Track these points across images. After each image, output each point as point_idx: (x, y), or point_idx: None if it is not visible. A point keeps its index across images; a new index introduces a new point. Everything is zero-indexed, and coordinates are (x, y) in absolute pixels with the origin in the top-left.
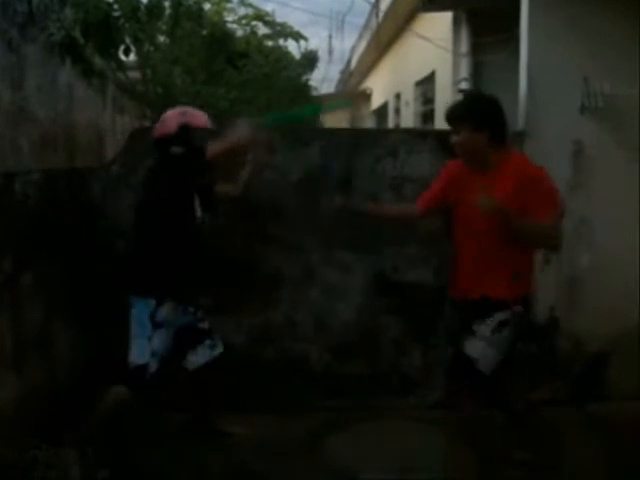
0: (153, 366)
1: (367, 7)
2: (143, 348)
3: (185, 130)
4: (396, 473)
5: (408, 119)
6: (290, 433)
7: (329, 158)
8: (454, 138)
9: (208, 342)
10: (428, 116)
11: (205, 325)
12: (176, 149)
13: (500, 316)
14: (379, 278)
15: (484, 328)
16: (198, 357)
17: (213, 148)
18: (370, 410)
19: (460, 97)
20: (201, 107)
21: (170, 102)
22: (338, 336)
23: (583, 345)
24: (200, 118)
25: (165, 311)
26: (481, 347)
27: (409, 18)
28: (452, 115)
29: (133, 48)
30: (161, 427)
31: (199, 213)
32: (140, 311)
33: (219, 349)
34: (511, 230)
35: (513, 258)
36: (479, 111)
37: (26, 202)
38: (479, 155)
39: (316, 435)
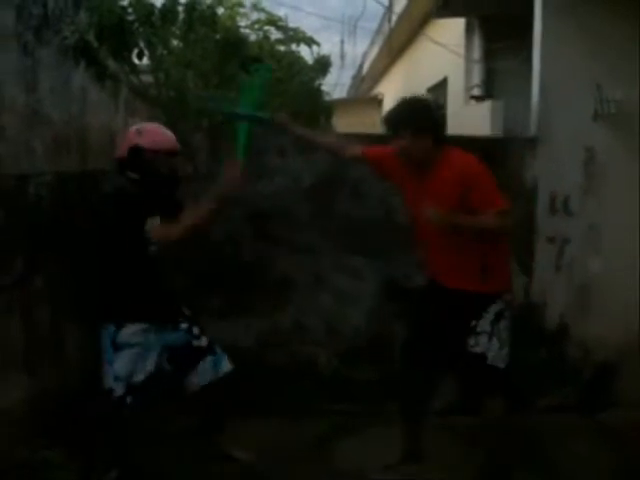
0: (118, 390)
1: (380, 12)
2: (107, 373)
3: (136, 153)
4: (402, 476)
5: None
6: (298, 437)
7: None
8: (397, 143)
9: (210, 359)
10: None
11: (202, 342)
12: (131, 175)
13: (495, 308)
14: (389, 283)
15: (482, 322)
16: (199, 377)
17: (186, 220)
18: (378, 415)
19: (397, 103)
20: (214, 111)
21: (182, 106)
22: (347, 341)
23: (592, 352)
24: (157, 139)
25: (127, 333)
26: (484, 341)
27: (421, 24)
28: (394, 121)
29: (146, 52)
30: (170, 429)
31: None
32: (103, 337)
33: (225, 367)
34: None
35: (478, 250)
36: (421, 115)
37: (39, 203)
38: (422, 157)
39: (324, 439)
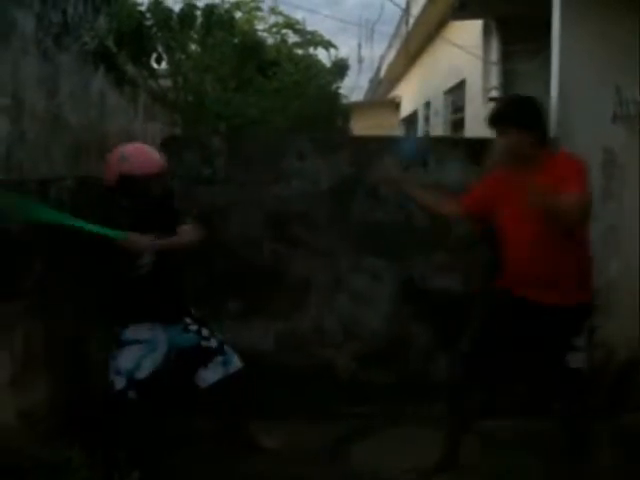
0: (119, 384)
1: (397, 15)
2: (110, 368)
3: (124, 181)
4: (420, 477)
5: (438, 128)
6: (316, 439)
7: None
8: (499, 140)
9: (220, 359)
10: (458, 125)
11: (212, 343)
12: (122, 201)
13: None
14: (407, 285)
15: (579, 338)
16: (209, 374)
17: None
18: (397, 417)
19: (499, 101)
20: (233, 115)
21: (201, 110)
22: (366, 343)
23: (615, 353)
24: (144, 163)
25: (133, 330)
26: (580, 356)
27: (439, 26)
28: (497, 117)
29: (165, 56)
30: (192, 432)
31: (147, 261)
32: (110, 336)
33: (235, 365)
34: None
35: (574, 260)
36: (525, 112)
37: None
38: (524, 156)
39: (342, 442)
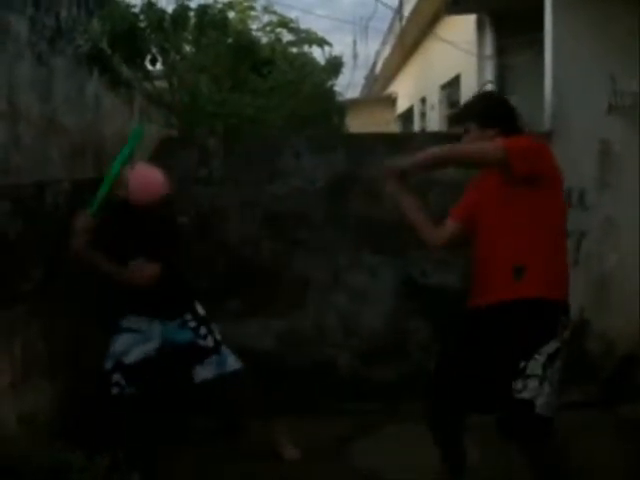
0: (107, 365)
1: (391, 12)
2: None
3: (126, 204)
4: (421, 475)
5: (434, 123)
6: (318, 437)
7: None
8: (465, 138)
9: (215, 359)
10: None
11: (208, 343)
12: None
13: (549, 348)
14: (406, 282)
15: (533, 365)
16: (204, 371)
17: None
18: (398, 414)
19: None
20: (228, 115)
21: (196, 110)
22: (366, 340)
23: (613, 345)
24: (141, 193)
25: (129, 320)
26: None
27: (433, 22)
28: (459, 115)
29: (159, 58)
30: (191, 432)
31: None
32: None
33: (231, 366)
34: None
35: (511, 247)
36: (485, 108)
37: (56, 211)
38: None
39: (344, 439)
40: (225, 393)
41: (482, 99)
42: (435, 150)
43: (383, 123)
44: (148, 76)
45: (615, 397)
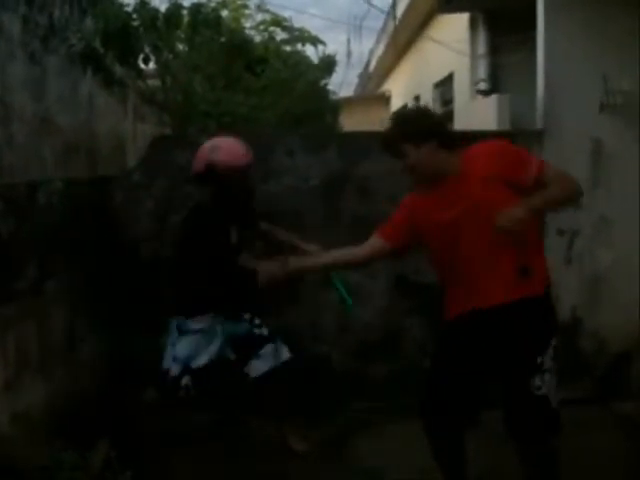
0: (174, 370)
1: (384, 10)
2: (168, 354)
3: (212, 170)
4: (420, 473)
5: None
6: (313, 435)
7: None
8: (403, 164)
9: (270, 348)
10: (447, 117)
11: (263, 331)
12: (208, 189)
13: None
14: (400, 280)
15: (547, 358)
16: (260, 364)
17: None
18: (393, 411)
19: (386, 127)
20: (222, 114)
21: (190, 109)
22: (360, 338)
23: (606, 343)
24: (231, 154)
25: (193, 321)
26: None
27: (426, 20)
28: (391, 141)
29: (152, 56)
30: (184, 429)
31: (234, 240)
32: (172, 324)
33: (284, 356)
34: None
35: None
36: (415, 125)
37: (49, 210)
38: (437, 168)
39: (340, 437)
40: (277, 385)
41: (405, 119)
42: (531, 206)
43: (377, 121)
44: (141, 75)
45: (608, 395)
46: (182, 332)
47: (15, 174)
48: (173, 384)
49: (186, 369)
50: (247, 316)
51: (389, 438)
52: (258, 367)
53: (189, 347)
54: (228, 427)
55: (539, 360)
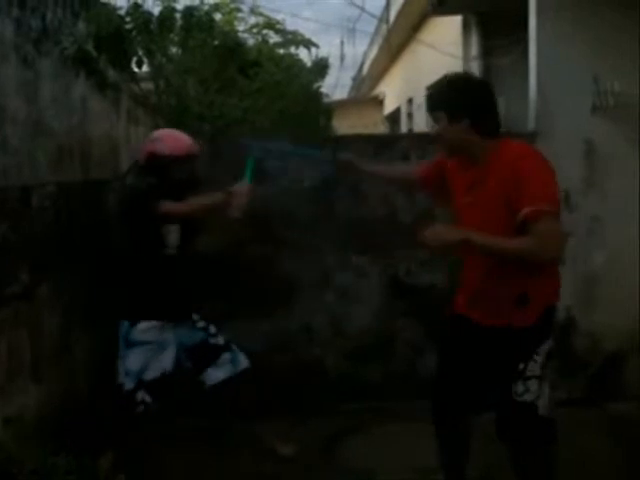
0: (128, 385)
1: (378, 13)
2: (119, 368)
3: (153, 159)
4: (412, 474)
5: (421, 123)
6: (306, 437)
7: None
8: (434, 129)
9: (227, 356)
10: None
11: (219, 340)
12: (148, 179)
13: (546, 347)
14: (393, 281)
15: (532, 365)
16: (218, 372)
17: (192, 203)
18: (386, 413)
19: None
20: (215, 117)
21: (184, 112)
22: (353, 339)
23: (599, 344)
24: (173, 144)
25: (141, 330)
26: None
27: (419, 22)
28: (429, 105)
29: (146, 60)
30: (177, 432)
31: (173, 242)
32: (119, 333)
33: (242, 365)
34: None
35: (517, 274)
36: (455, 98)
37: (43, 214)
38: (462, 148)
39: (333, 439)
40: (233, 392)
41: (452, 87)
42: (469, 238)
43: (371, 124)
44: (134, 78)
45: (601, 394)
46: (130, 344)
47: (8, 177)
48: (128, 399)
49: (139, 383)
50: (201, 324)
51: (381, 439)
52: (214, 375)
53: (139, 360)
54: (215, 430)
55: (521, 366)
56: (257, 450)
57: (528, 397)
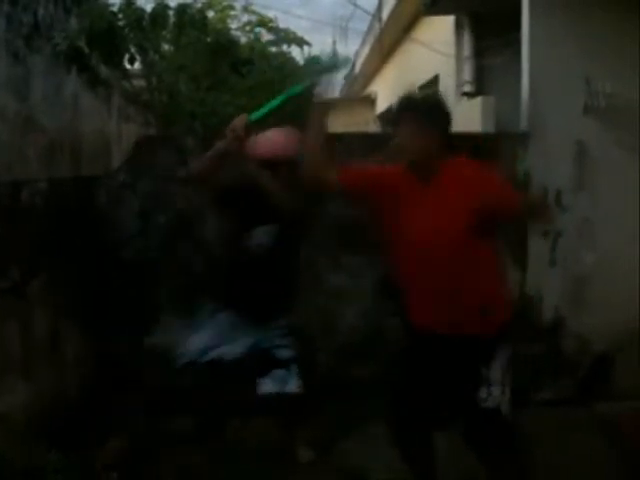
0: (183, 360)
1: (370, 11)
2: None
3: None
4: (404, 473)
5: None
6: (297, 437)
7: None
8: (396, 138)
9: (281, 373)
10: None
11: (282, 354)
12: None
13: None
14: (384, 280)
15: (494, 371)
16: (266, 384)
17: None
18: (376, 412)
19: (401, 96)
20: (207, 114)
21: (175, 110)
22: (345, 339)
23: (588, 344)
24: (260, 146)
25: (220, 317)
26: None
27: (411, 22)
28: (398, 112)
29: (138, 57)
30: (167, 433)
31: (254, 240)
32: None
33: (292, 387)
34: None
35: (479, 285)
36: (434, 108)
37: (33, 211)
38: (424, 158)
39: (325, 438)
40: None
41: (422, 99)
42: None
43: (363, 123)
44: (126, 75)
45: (590, 395)
46: (203, 325)
47: None
48: (178, 372)
49: (193, 362)
50: (276, 332)
51: (373, 438)
52: (264, 386)
53: (204, 341)
54: (212, 430)
55: (484, 373)
56: (248, 449)
57: (491, 403)
